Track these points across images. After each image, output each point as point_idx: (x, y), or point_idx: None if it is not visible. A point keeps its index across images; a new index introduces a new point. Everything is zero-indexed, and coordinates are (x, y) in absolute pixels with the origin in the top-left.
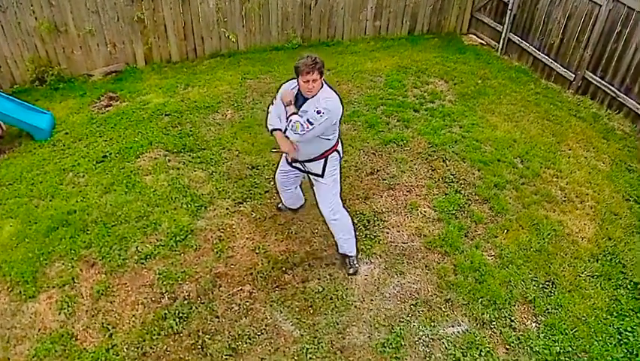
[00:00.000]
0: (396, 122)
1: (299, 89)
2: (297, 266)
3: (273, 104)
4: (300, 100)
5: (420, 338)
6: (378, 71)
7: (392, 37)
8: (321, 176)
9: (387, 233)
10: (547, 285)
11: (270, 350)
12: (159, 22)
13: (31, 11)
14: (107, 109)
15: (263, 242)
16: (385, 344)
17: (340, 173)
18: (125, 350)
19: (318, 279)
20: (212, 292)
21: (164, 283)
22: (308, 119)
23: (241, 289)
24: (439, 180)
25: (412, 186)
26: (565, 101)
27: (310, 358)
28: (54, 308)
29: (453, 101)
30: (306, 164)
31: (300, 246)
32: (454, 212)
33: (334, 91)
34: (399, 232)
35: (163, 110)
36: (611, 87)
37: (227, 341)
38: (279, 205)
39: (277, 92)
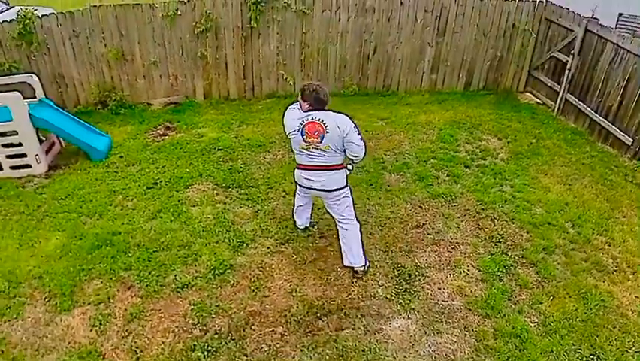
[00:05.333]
0: (445, 176)
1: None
2: (332, 313)
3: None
4: None
5: None
6: (431, 124)
7: (447, 91)
8: None
9: (428, 289)
10: (592, 359)
11: None
12: (221, 60)
13: (102, 38)
14: (162, 138)
15: (300, 285)
16: None
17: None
18: None
19: (352, 329)
20: (244, 330)
21: (198, 314)
22: None
23: (273, 330)
24: (485, 239)
25: (457, 243)
26: (621, 166)
27: None
28: (86, 324)
29: (505, 160)
30: None
31: (338, 293)
32: (498, 273)
33: (291, 114)
34: (440, 289)
35: (216, 145)
36: None
37: None
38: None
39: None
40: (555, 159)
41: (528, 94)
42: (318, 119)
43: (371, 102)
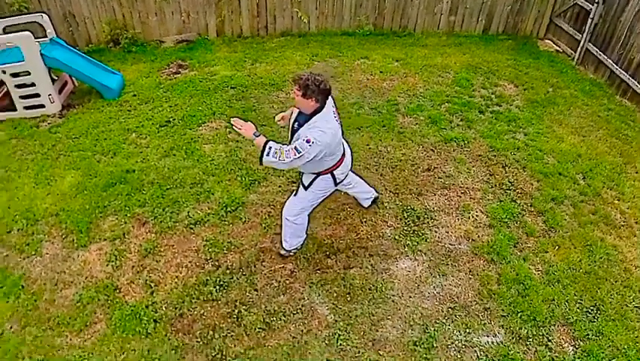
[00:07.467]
0: (459, 121)
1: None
2: (340, 252)
3: None
4: (300, 117)
5: (453, 342)
6: (447, 68)
7: (465, 34)
8: (305, 188)
9: (436, 232)
10: (592, 310)
11: (302, 330)
12: None
13: None
14: (175, 76)
15: (310, 224)
16: (417, 343)
17: (322, 197)
18: (164, 308)
19: (360, 268)
20: (255, 266)
21: (210, 250)
22: (296, 147)
23: (283, 267)
24: (495, 185)
25: (467, 188)
26: (638, 121)
27: (341, 345)
28: (103, 260)
29: (520, 107)
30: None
31: (347, 233)
32: (506, 220)
33: (330, 124)
34: (447, 232)
35: (229, 83)
36: None
37: (263, 315)
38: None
39: None
40: (571, 110)
41: (548, 41)
42: (334, 108)
43: (386, 42)
